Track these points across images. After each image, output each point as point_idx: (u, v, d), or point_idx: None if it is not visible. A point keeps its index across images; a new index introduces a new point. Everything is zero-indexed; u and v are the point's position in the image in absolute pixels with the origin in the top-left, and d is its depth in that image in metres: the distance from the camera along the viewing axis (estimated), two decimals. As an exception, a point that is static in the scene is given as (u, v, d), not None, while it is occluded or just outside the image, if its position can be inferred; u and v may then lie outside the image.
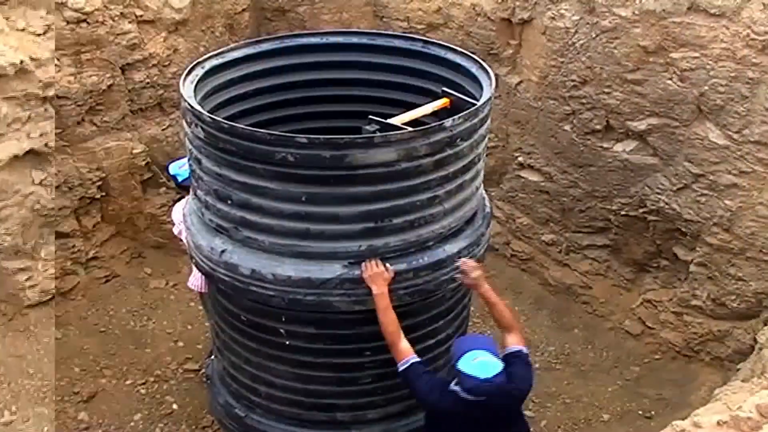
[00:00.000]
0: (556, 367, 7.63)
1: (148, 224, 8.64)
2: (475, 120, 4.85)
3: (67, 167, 7.69)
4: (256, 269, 4.93)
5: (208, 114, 4.76)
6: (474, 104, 4.98)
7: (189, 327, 8.00)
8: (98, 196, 8.11)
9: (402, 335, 4.87)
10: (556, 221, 8.23)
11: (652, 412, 7.05)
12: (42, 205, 7.48)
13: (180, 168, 6.45)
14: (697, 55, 6.37)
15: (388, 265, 4.86)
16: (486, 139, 5.22)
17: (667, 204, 7.06)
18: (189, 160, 5.22)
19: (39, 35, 7.08)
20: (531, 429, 6.80)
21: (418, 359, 4.83)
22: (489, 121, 5.17)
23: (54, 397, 7.03)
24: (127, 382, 7.32)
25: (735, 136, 6.36)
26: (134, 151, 8.15)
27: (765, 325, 6.33)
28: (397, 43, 5.99)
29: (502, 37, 7.83)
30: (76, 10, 7.23)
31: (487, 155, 5.55)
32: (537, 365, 7.59)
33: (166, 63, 8.14)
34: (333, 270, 4.86)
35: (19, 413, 6.82)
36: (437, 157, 4.70)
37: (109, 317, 8.03)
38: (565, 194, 7.94)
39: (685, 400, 6.96)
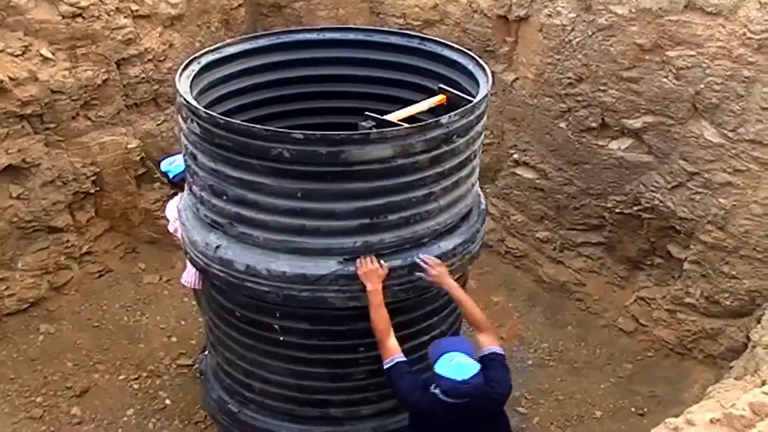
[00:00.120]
0: (549, 363, 7.64)
1: (142, 219, 8.64)
2: (472, 117, 4.85)
3: (61, 162, 7.68)
4: (251, 265, 4.92)
5: (203, 109, 4.75)
6: (470, 101, 4.97)
7: (182, 322, 7.99)
8: (92, 190, 8.10)
9: (392, 333, 4.88)
10: (550, 218, 8.24)
11: (645, 410, 7.06)
12: (20, 218, 7.55)
13: (171, 165, 6.44)
14: (693, 53, 6.38)
15: (382, 261, 4.86)
16: (482, 136, 5.22)
17: (661, 202, 7.07)
18: (184, 155, 5.21)
19: (17, 56, 7.12)
20: (524, 426, 6.88)
21: (403, 358, 4.83)
22: (485, 118, 5.17)
23: (38, 400, 7.05)
24: (120, 377, 7.32)
25: (730, 134, 6.37)
26: (129, 146, 8.14)
27: (758, 323, 6.33)
28: (394, 39, 5.99)
29: (499, 34, 7.83)
30: (71, 5, 7.23)
31: (482, 152, 5.55)
32: (530, 362, 7.63)
33: (162, 58, 8.13)
34: (328, 266, 4.86)
35: (0, 417, 6.82)
36: (433, 153, 4.70)
37: (102, 312, 8.03)
38: (559, 191, 7.94)
39: (677, 398, 6.97)
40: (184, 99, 4.83)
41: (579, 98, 7.27)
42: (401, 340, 5.07)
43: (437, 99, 5.38)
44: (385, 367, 4.84)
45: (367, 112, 4.94)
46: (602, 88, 7.04)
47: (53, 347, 7.55)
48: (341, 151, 4.49)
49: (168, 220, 6.54)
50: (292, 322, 5.22)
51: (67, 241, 7.99)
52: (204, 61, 5.47)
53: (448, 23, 8.20)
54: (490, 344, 4.89)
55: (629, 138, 7.17)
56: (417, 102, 5.40)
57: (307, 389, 5.59)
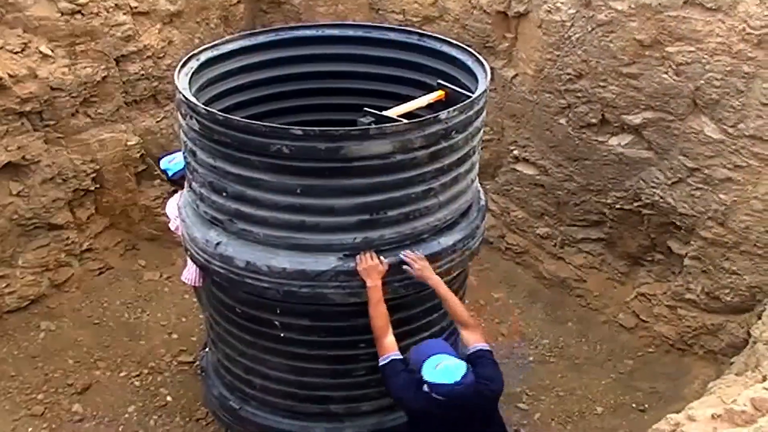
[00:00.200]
0: (550, 360, 7.64)
1: (143, 216, 8.64)
2: (471, 112, 4.85)
3: (61, 159, 7.68)
4: (251, 261, 4.93)
5: (203, 106, 4.75)
6: (469, 97, 4.97)
7: (183, 319, 7.99)
8: (92, 188, 8.10)
9: (389, 331, 4.88)
10: (550, 214, 8.24)
11: (646, 405, 7.05)
12: (20, 215, 7.55)
13: (170, 162, 6.44)
14: (692, 49, 6.37)
15: (382, 258, 4.86)
16: (481, 131, 5.22)
17: (661, 198, 7.06)
18: (184, 152, 5.21)
19: (16, 53, 7.12)
20: (525, 422, 6.88)
21: (399, 356, 4.82)
22: (484, 114, 5.17)
23: (39, 397, 7.05)
24: (121, 374, 7.31)
25: (730, 130, 6.37)
26: (128, 143, 8.14)
27: (759, 318, 6.32)
28: (393, 35, 5.98)
29: (498, 30, 7.82)
30: (70, 2, 7.24)
31: (482, 148, 5.55)
32: (531, 358, 7.63)
33: (161, 55, 8.13)
34: (328, 262, 4.87)
35: (0, 415, 6.83)
36: (432, 149, 4.70)
37: (103, 309, 8.03)
38: (560, 188, 7.94)
39: (678, 394, 6.98)
40: (183, 96, 4.83)
41: (579, 94, 7.26)
42: (402, 337, 5.08)
43: (436, 95, 5.38)
44: (380, 364, 4.84)
45: (366, 108, 4.94)
46: (602, 84, 7.03)
47: (54, 344, 7.55)
48: (340, 147, 4.49)
49: (168, 218, 6.53)
50: (292, 318, 5.22)
51: (68, 238, 7.99)
52: (203, 57, 5.47)
53: (447, 19, 8.19)
54: (476, 341, 4.88)
55: (629, 134, 7.16)
56: (416, 98, 5.40)
57: (308, 385, 5.59)
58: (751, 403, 3.59)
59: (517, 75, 7.84)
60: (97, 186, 8.16)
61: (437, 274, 5.08)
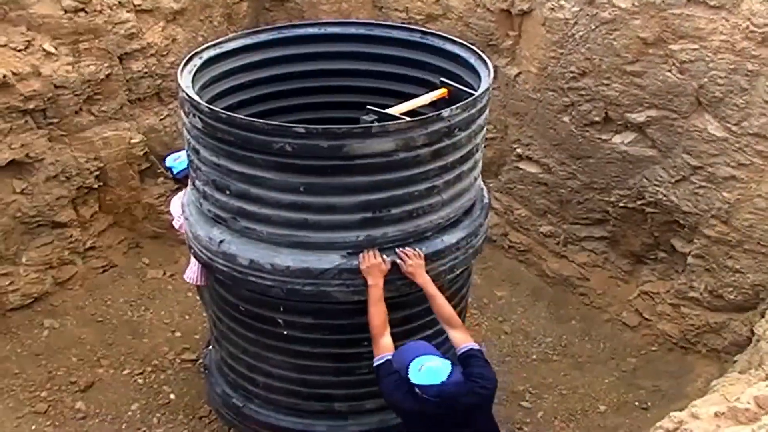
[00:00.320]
0: (553, 358, 7.64)
1: (146, 214, 8.64)
2: (473, 110, 4.85)
3: (64, 157, 7.68)
4: (254, 259, 4.92)
5: (205, 104, 4.75)
6: (472, 94, 4.97)
7: (186, 317, 8.00)
8: (96, 185, 8.11)
9: (387, 331, 4.86)
10: (554, 213, 8.23)
11: (649, 404, 7.05)
12: (23, 213, 7.55)
13: (176, 161, 6.44)
14: (696, 47, 6.37)
15: (385, 256, 4.85)
16: (484, 129, 5.22)
17: (665, 196, 7.06)
18: (187, 150, 5.22)
19: (20, 50, 7.13)
20: (528, 420, 6.88)
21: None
22: (487, 112, 5.16)
23: (42, 395, 7.06)
24: (125, 372, 7.32)
25: (734, 128, 6.36)
26: (132, 141, 8.15)
27: (762, 317, 6.32)
28: (396, 33, 5.98)
29: (502, 28, 7.82)
30: (74, -1, 7.25)
31: (485, 146, 5.54)
32: (534, 356, 7.63)
33: (164, 53, 8.14)
34: (331, 260, 4.86)
35: (4, 412, 6.84)
36: (435, 147, 4.70)
37: (106, 307, 8.04)
38: (563, 186, 7.94)
39: (681, 392, 6.97)
40: (186, 94, 4.83)
41: (582, 92, 7.26)
42: (404, 335, 5.10)
43: (439, 92, 5.37)
44: (375, 364, 4.82)
45: (368, 106, 4.94)
46: (605, 82, 7.03)
47: (57, 342, 7.56)
48: (343, 145, 4.48)
49: (172, 216, 6.54)
50: (295, 316, 5.22)
51: (71, 236, 8.00)
52: (206, 55, 5.47)
53: (450, 17, 8.19)
54: (464, 341, 4.86)
55: (633, 132, 7.16)
56: (419, 96, 5.40)
57: (311, 383, 5.59)
58: (755, 401, 3.59)
59: (520, 73, 7.84)
60: (101, 184, 8.17)
61: (440, 271, 5.10)
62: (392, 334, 4.95)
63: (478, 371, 4.67)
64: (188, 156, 5.24)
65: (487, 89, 5.01)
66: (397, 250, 4.92)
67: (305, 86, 6.06)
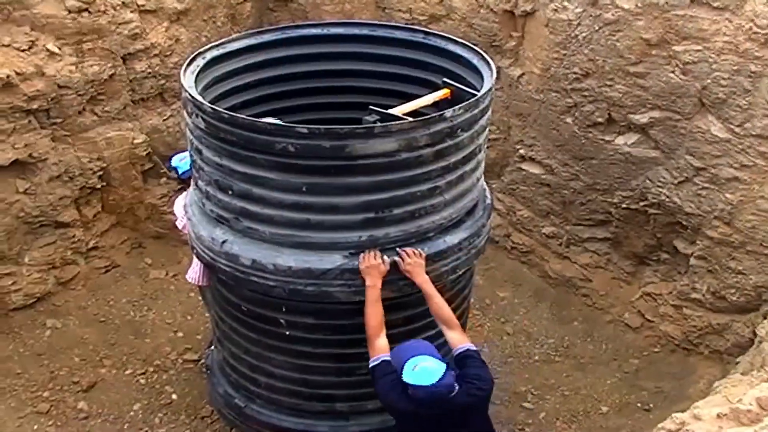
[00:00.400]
0: (556, 359, 7.64)
1: (149, 214, 8.65)
2: (476, 110, 4.86)
3: (68, 157, 7.69)
4: (256, 259, 4.94)
5: (208, 104, 4.76)
6: (474, 95, 4.98)
7: (189, 317, 8.00)
8: (99, 186, 8.12)
9: (383, 332, 4.86)
10: (556, 214, 8.23)
11: (651, 405, 7.04)
12: (26, 213, 7.55)
13: (181, 161, 6.45)
14: (699, 48, 6.36)
15: (386, 257, 4.85)
16: (487, 130, 5.22)
17: (668, 197, 7.06)
18: (190, 150, 5.23)
19: (23, 50, 7.14)
20: (530, 421, 6.87)
21: (389, 358, 4.79)
22: (490, 112, 5.17)
23: (44, 395, 7.06)
24: (127, 372, 7.32)
25: (737, 129, 6.35)
26: (135, 141, 8.15)
27: (765, 318, 6.33)
28: (398, 34, 5.99)
29: (505, 29, 7.82)
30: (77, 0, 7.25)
31: (488, 147, 5.56)
32: (536, 357, 7.62)
33: (168, 53, 8.14)
34: (333, 260, 4.87)
35: (6, 412, 6.84)
36: (438, 147, 4.71)
37: (109, 307, 8.04)
38: (566, 187, 7.93)
39: (683, 393, 6.97)
40: (189, 94, 4.84)
41: (585, 93, 7.25)
42: (407, 335, 5.09)
43: (441, 93, 5.39)
44: (370, 365, 4.82)
45: (371, 107, 4.95)
46: (609, 83, 7.03)
47: (60, 342, 7.56)
48: (345, 146, 4.49)
49: (176, 217, 6.54)
50: (297, 316, 5.23)
51: (74, 236, 8.00)
52: (209, 56, 5.49)
53: (454, 18, 8.19)
54: (461, 342, 4.86)
55: (636, 133, 7.15)
56: (421, 96, 5.40)
57: (313, 384, 5.60)
58: (757, 403, 3.59)
59: (523, 74, 7.83)
60: (104, 184, 8.18)
61: (443, 272, 5.10)
62: (394, 335, 4.96)
63: (474, 372, 4.68)
64: (191, 156, 5.25)
65: (490, 90, 5.01)
66: (398, 249, 4.93)
67: (308, 87, 6.08)
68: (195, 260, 6.02)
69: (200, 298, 7.47)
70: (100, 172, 8.03)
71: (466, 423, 4.67)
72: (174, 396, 7.11)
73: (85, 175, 7.88)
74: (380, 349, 4.82)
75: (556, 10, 7.17)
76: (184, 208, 5.72)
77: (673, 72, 6.60)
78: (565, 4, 7.07)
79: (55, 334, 7.64)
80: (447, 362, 4.57)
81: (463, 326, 5.99)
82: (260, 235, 4.93)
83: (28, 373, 7.21)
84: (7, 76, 6.88)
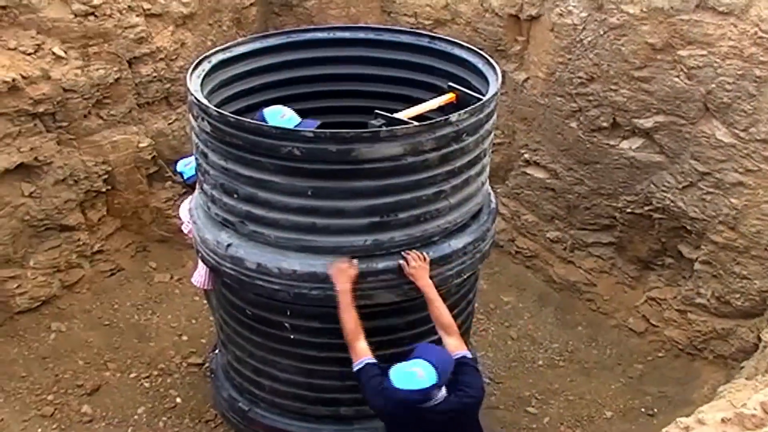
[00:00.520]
0: (560, 364, 7.63)
1: (154, 218, 8.65)
2: (481, 115, 4.86)
3: (73, 160, 7.70)
4: (261, 263, 4.94)
5: (214, 108, 4.76)
6: (480, 99, 4.98)
7: (193, 321, 8.00)
8: (104, 189, 8.12)
9: (362, 336, 4.87)
10: (561, 218, 8.23)
11: (655, 410, 7.04)
12: (31, 216, 7.56)
13: (186, 166, 6.45)
14: (704, 52, 6.37)
15: (355, 262, 4.85)
16: (492, 134, 5.23)
17: (672, 202, 7.05)
18: (195, 154, 5.23)
19: (29, 54, 7.14)
20: (534, 426, 6.86)
21: (372, 361, 4.82)
22: (495, 117, 5.18)
23: (49, 398, 7.06)
24: (131, 376, 7.33)
25: (741, 134, 6.36)
26: (140, 145, 8.16)
27: (769, 323, 6.34)
28: (404, 38, 6.00)
29: (510, 33, 7.83)
30: (84, 3, 7.25)
31: (493, 152, 5.55)
32: (540, 362, 7.62)
33: (174, 57, 8.15)
34: (338, 264, 4.88)
35: (10, 415, 6.85)
36: (443, 151, 4.71)
37: (113, 311, 8.04)
38: (570, 191, 7.93)
39: (687, 398, 6.96)
40: (195, 98, 4.85)
41: (590, 98, 7.26)
42: (411, 339, 5.10)
43: (447, 97, 5.38)
44: (354, 369, 4.84)
45: (377, 111, 4.95)
46: (613, 87, 7.03)
47: (64, 345, 7.56)
48: (351, 149, 4.50)
49: (181, 221, 6.55)
50: (302, 320, 5.24)
51: (79, 239, 8.01)
52: (215, 60, 5.50)
53: (459, 22, 8.20)
54: (457, 348, 4.87)
55: (640, 138, 7.15)
56: (427, 101, 5.40)
57: (317, 388, 5.60)
58: (761, 407, 3.58)
59: (528, 78, 7.84)
60: (109, 187, 8.18)
61: (447, 276, 5.11)
62: (398, 339, 5.00)
63: (466, 379, 4.70)
64: (196, 160, 5.26)
65: (495, 94, 5.02)
66: (404, 252, 4.93)
67: (314, 90, 6.08)
68: (200, 264, 6.03)
69: (205, 301, 7.47)
70: (106, 176, 8.03)
71: (454, 429, 4.69)
72: (178, 400, 7.11)
73: (90, 179, 7.89)
74: (362, 352, 4.84)
75: (561, 14, 7.17)
76: (189, 212, 5.73)
77: (678, 77, 6.60)
78: (571, 8, 7.07)
79: (59, 338, 7.64)
80: (441, 375, 4.54)
81: (468, 330, 6.02)
82: (265, 238, 4.94)
83: (32, 376, 7.21)
84: (13, 80, 6.89)
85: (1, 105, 6.95)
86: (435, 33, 6.62)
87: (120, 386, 7.21)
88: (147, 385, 7.25)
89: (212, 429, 6.86)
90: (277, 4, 9.37)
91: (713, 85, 6.39)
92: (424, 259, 4.94)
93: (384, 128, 4.68)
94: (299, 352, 5.42)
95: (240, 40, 5.89)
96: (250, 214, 4.90)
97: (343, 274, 4.82)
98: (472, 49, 5.67)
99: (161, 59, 8.04)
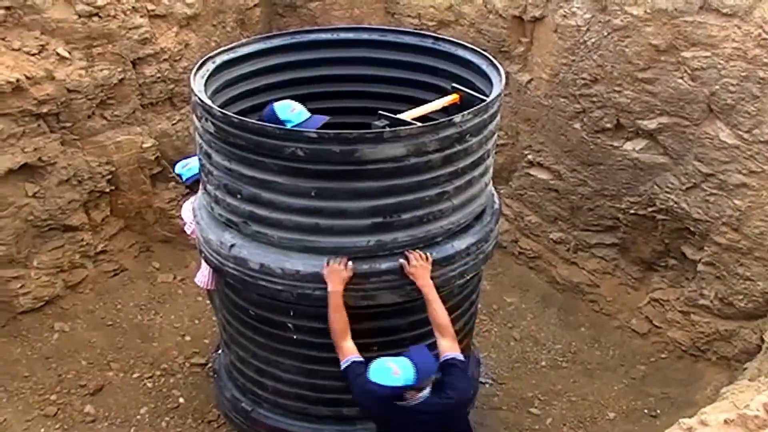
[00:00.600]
0: (563, 365, 7.63)
1: (157, 218, 8.67)
2: (485, 116, 4.86)
3: (77, 161, 7.71)
4: (265, 264, 4.94)
5: (218, 108, 4.77)
6: (483, 100, 4.98)
7: (196, 321, 8.01)
8: (108, 189, 8.13)
9: (349, 335, 4.90)
10: (564, 219, 8.23)
11: (658, 411, 7.04)
12: (35, 216, 7.57)
13: (184, 167, 6.47)
14: (708, 54, 6.37)
15: (351, 264, 4.85)
16: (495, 135, 5.22)
17: (676, 203, 7.05)
18: (199, 154, 5.23)
19: (33, 55, 7.16)
20: (537, 427, 6.86)
21: (359, 359, 4.83)
22: (498, 118, 5.18)
23: (52, 398, 7.08)
24: (134, 376, 7.34)
25: (745, 135, 6.36)
26: (144, 146, 8.17)
27: (773, 325, 6.34)
28: (408, 39, 6.00)
29: (514, 34, 7.83)
30: (88, 4, 7.26)
31: (496, 153, 5.55)
32: (543, 363, 7.62)
33: (177, 58, 8.16)
34: (341, 265, 4.88)
35: (13, 415, 6.86)
36: (446, 152, 4.71)
37: (116, 311, 8.05)
38: (574, 192, 7.94)
39: (690, 399, 6.96)
40: (199, 98, 4.85)
41: (594, 99, 7.26)
42: (412, 340, 5.11)
43: (450, 98, 5.38)
44: (342, 367, 4.86)
45: (380, 111, 4.95)
46: (617, 88, 7.03)
47: (67, 345, 7.57)
48: (354, 150, 4.50)
49: (184, 221, 6.56)
50: (305, 320, 5.23)
51: (82, 239, 8.02)
52: (218, 60, 5.49)
53: (463, 24, 8.20)
54: (449, 350, 4.86)
55: (644, 139, 7.15)
56: (430, 101, 5.40)
57: (320, 388, 5.60)
58: (764, 408, 3.58)
59: (532, 79, 7.84)
60: (113, 188, 8.19)
61: (450, 277, 5.11)
62: (400, 340, 5.00)
63: (451, 381, 4.71)
64: (200, 160, 5.26)
65: (499, 95, 5.01)
66: (406, 251, 4.93)
67: (318, 91, 6.08)
68: (203, 264, 6.03)
69: (208, 302, 7.47)
70: (109, 176, 8.05)
71: (440, 429, 4.72)
72: (181, 400, 7.12)
73: (94, 179, 7.90)
74: (349, 350, 4.87)
75: (565, 15, 7.18)
76: (192, 212, 5.73)
77: (681, 78, 6.60)
78: (574, 9, 7.08)
79: (62, 338, 7.65)
80: (420, 378, 4.56)
81: (470, 331, 6.01)
82: (269, 239, 4.94)
83: (35, 376, 7.22)
84: (17, 80, 6.90)
85: (6, 105, 6.96)
86: (439, 34, 6.61)
87: (123, 386, 7.22)
88: (150, 385, 7.26)
89: (215, 429, 6.87)
90: (281, 5, 9.38)
91: (717, 87, 6.39)
92: (426, 258, 4.94)
93: (387, 129, 4.67)
94: (302, 352, 5.42)
95: (244, 40, 5.89)
96: (253, 214, 4.90)
97: (336, 275, 4.81)
98: (476, 51, 5.67)
99: (165, 60, 8.05)
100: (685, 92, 6.61)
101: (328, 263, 4.83)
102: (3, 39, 7.04)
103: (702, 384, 7.14)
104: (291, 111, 5.25)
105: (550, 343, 7.88)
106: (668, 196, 7.09)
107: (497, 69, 5.30)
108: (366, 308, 4.99)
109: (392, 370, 4.51)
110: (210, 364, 7.13)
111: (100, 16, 7.38)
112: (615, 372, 7.53)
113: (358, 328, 5.14)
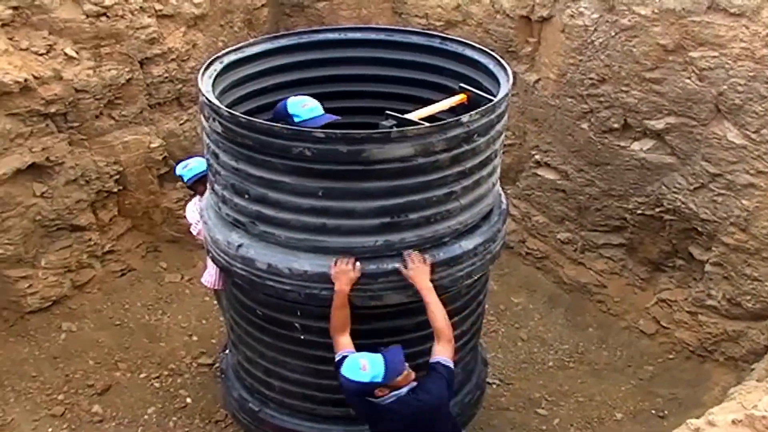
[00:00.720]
0: (570, 365, 7.63)
1: (164, 218, 8.68)
2: (492, 116, 4.85)
3: (84, 161, 7.73)
4: (272, 264, 4.93)
5: (225, 108, 4.77)
6: (491, 100, 4.97)
7: (203, 321, 8.02)
8: (115, 189, 8.15)
9: (347, 332, 4.91)
10: (572, 219, 8.22)
11: (665, 412, 7.03)
12: (43, 216, 7.60)
13: (184, 168, 6.47)
14: (716, 54, 6.36)
15: (359, 265, 4.84)
16: (503, 135, 5.21)
17: (683, 203, 7.04)
18: (206, 154, 5.23)
19: (41, 54, 7.17)
20: (544, 428, 6.84)
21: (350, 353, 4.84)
22: (506, 118, 5.16)
23: (59, 398, 7.09)
24: (141, 376, 7.35)
25: (753, 135, 6.34)
26: (152, 146, 8.19)
27: (780, 325, 6.33)
28: (415, 39, 5.99)
29: (521, 34, 7.83)
30: (95, 4, 7.28)
31: (504, 153, 5.54)
32: (550, 363, 7.62)
33: (185, 57, 8.17)
34: (348, 265, 4.87)
35: (21, 415, 6.88)
36: (454, 152, 4.70)
37: (124, 311, 8.07)
38: (581, 193, 7.93)
39: (698, 400, 6.95)
40: (207, 98, 4.85)
41: (601, 99, 7.25)
42: (418, 341, 5.10)
43: (458, 98, 5.37)
44: (335, 360, 4.87)
45: (387, 111, 4.95)
46: (625, 88, 7.02)
47: (75, 345, 7.59)
48: (362, 150, 4.49)
49: (189, 222, 6.56)
50: (312, 320, 5.22)
51: (90, 239, 8.04)
52: (226, 60, 5.49)
53: (470, 24, 8.20)
54: (438, 354, 4.83)
55: (651, 139, 7.14)
56: (438, 101, 5.40)
57: (328, 388, 5.58)
58: (773, 409, 3.58)
59: (539, 79, 7.84)
60: (120, 188, 8.22)
61: (458, 277, 5.09)
62: (406, 341, 4.98)
63: (426, 383, 4.70)
64: (207, 160, 5.26)
65: (506, 95, 5.00)
66: (405, 253, 4.91)
67: (325, 91, 6.05)
68: (211, 264, 6.04)
69: (215, 302, 7.48)
70: (117, 176, 8.07)
71: (417, 428, 4.73)
72: (188, 400, 7.13)
73: (101, 179, 7.92)
74: (344, 345, 4.88)
75: (572, 15, 7.17)
76: (197, 213, 5.74)
77: (689, 78, 6.59)
78: (582, 9, 7.07)
79: (70, 338, 7.67)
80: (388, 377, 4.57)
81: (478, 331, 6.00)
82: (276, 239, 4.93)
83: (43, 376, 7.24)
84: (25, 80, 6.92)
85: (13, 105, 6.99)
86: (446, 34, 6.61)
87: (130, 386, 7.24)
88: (157, 385, 7.28)
89: (222, 429, 6.89)
90: (289, 5, 9.39)
91: (725, 87, 6.38)
92: (425, 261, 4.92)
93: (395, 129, 4.67)
94: (309, 352, 5.41)
95: (251, 40, 5.89)
96: (260, 214, 4.90)
97: (344, 275, 4.80)
98: (484, 50, 5.66)
99: (173, 60, 8.06)
100: (693, 92, 6.60)
101: (335, 263, 4.83)
102: (11, 39, 7.05)
103: (710, 384, 7.13)
104: (302, 106, 5.26)
105: (558, 344, 7.87)
106: (676, 196, 7.08)
107: (505, 69, 5.29)
108: (373, 308, 4.98)
109: (360, 366, 4.55)
110: (217, 364, 7.14)
111: (107, 16, 7.40)
112: (622, 372, 7.52)
113: (365, 328, 5.15)
